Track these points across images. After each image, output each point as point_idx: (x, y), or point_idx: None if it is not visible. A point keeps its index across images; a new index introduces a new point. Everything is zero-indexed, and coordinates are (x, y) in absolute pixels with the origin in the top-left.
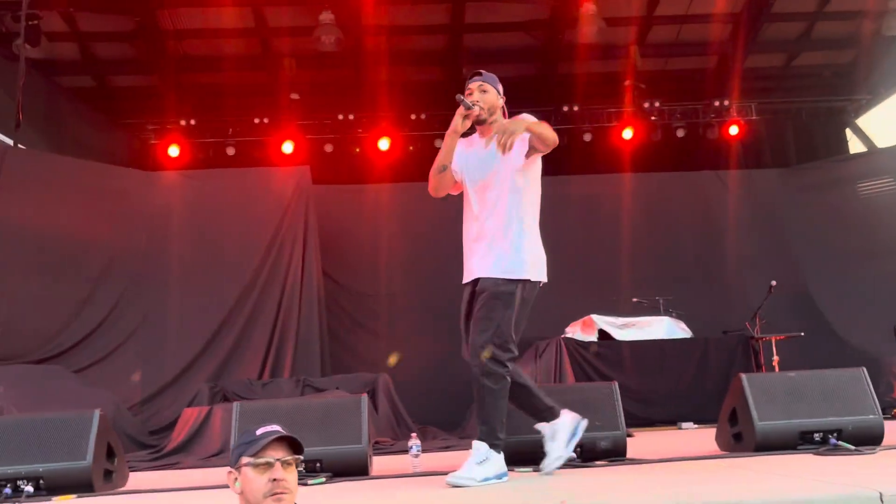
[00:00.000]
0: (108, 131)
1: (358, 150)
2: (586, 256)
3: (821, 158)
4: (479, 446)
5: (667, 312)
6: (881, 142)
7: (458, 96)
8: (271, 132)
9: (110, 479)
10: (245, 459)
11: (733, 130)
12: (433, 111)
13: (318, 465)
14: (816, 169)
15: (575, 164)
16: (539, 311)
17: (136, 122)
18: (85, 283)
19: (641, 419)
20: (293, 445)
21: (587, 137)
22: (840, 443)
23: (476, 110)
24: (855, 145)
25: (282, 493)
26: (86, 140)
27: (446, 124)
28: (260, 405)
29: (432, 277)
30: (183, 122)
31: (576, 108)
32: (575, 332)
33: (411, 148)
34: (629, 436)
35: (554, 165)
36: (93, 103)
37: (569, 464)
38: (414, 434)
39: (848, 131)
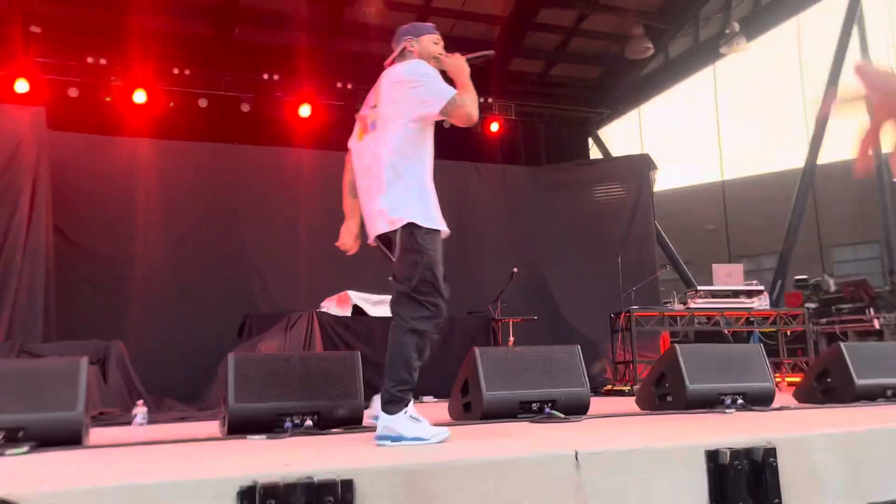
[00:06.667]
0: None
1: (109, 98)
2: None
3: (566, 161)
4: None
5: None
6: (615, 152)
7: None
8: (3, 66)
9: None
10: None
11: (494, 127)
12: (198, 69)
13: (20, 433)
14: (561, 170)
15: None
16: (293, 285)
17: None
18: None
19: None
20: None
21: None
22: (553, 412)
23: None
24: (594, 153)
25: None
26: None
27: (212, 83)
28: None
29: (183, 241)
30: None
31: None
32: (330, 306)
33: (172, 104)
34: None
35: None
36: None
37: (300, 431)
38: (140, 402)
39: (590, 140)
